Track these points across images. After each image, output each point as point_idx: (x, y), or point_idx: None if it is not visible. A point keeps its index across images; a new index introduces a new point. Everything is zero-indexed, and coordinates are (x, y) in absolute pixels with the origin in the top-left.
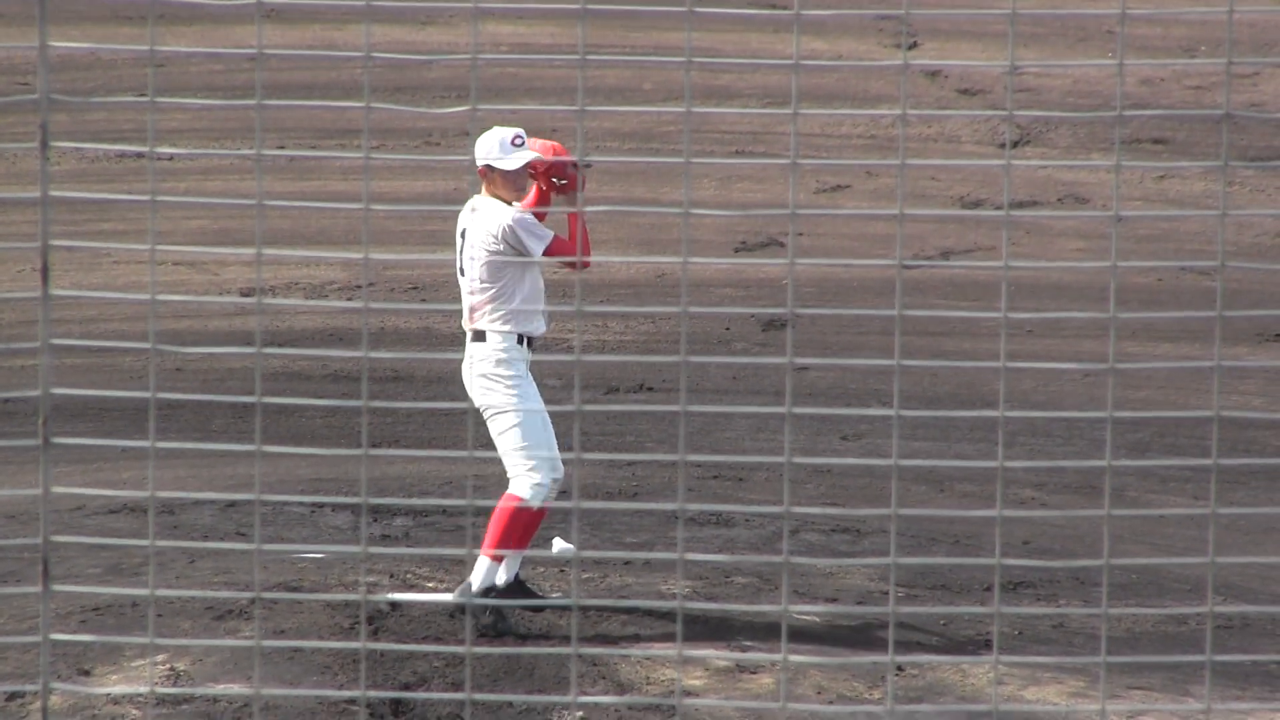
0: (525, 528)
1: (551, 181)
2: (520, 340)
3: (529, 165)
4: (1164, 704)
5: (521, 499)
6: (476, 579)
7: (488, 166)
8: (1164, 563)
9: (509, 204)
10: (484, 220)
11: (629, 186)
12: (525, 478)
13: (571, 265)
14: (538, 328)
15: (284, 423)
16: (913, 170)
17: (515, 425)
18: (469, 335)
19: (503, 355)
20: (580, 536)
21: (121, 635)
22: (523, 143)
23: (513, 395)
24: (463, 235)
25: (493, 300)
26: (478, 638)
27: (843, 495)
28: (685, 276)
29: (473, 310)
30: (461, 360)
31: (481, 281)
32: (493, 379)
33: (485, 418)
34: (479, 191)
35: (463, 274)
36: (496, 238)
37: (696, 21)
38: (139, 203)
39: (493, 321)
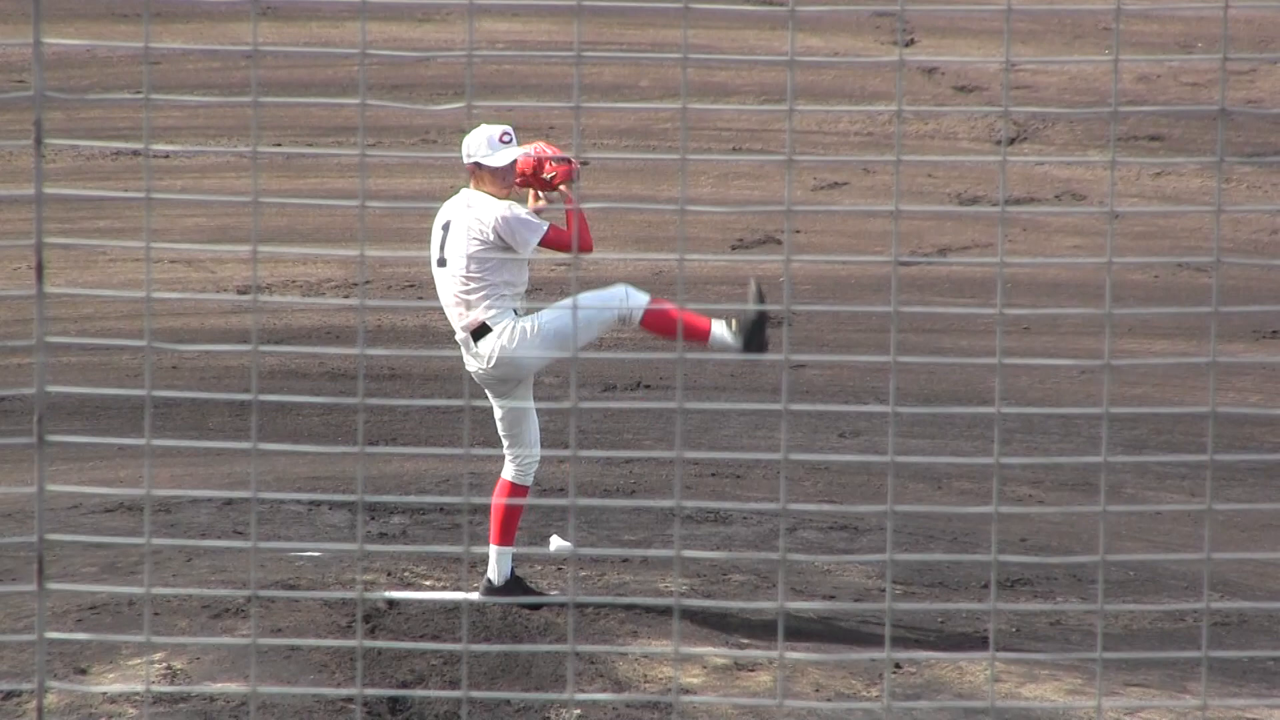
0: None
1: (542, 180)
2: (514, 313)
3: (518, 173)
4: (1161, 700)
5: (653, 301)
6: (730, 337)
7: (476, 163)
8: (1160, 559)
9: (499, 199)
10: (475, 213)
11: (626, 184)
12: (625, 295)
13: (568, 250)
14: (521, 307)
15: (281, 421)
16: (909, 167)
17: (564, 311)
18: (465, 335)
19: (508, 331)
20: (577, 534)
21: (118, 634)
22: (510, 140)
23: (541, 320)
24: (444, 228)
25: (483, 290)
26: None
27: (840, 492)
28: (682, 274)
29: (466, 304)
30: (460, 360)
31: (469, 273)
32: (520, 350)
33: (534, 382)
34: (468, 185)
35: (442, 265)
36: (487, 229)
37: (693, 18)
38: (134, 200)
39: (488, 311)
